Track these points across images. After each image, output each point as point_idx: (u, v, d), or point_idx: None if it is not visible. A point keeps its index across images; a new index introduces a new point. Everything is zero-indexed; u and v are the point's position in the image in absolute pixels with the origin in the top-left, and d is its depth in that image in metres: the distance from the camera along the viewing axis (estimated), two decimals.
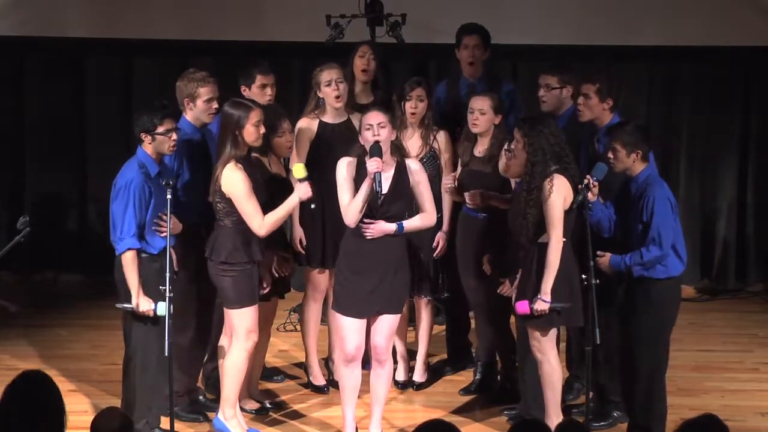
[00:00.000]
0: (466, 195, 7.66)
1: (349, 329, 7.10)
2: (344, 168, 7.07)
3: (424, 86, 7.94)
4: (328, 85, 7.88)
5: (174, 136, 7.02)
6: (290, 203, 7.09)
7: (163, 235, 6.95)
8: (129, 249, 6.94)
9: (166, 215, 6.85)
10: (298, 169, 7.11)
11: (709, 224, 10.61)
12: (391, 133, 7.06)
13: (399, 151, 7.20)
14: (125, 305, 6.98)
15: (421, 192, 7.13)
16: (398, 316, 7.17)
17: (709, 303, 10.34)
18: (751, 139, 10.50)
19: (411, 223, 7.09)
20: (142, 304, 6.93)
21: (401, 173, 7.08)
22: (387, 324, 7.11)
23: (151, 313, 6.93)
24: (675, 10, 10.20)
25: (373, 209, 6.98)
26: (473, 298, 7.92)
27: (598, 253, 6.95)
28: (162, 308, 6.85)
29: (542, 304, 6.91)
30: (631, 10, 10.20)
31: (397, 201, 7.02)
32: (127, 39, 10.35)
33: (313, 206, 7.16)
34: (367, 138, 6.97)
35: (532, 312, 6.93)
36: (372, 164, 6.88)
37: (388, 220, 7.00)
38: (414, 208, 7.19)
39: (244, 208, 7.01)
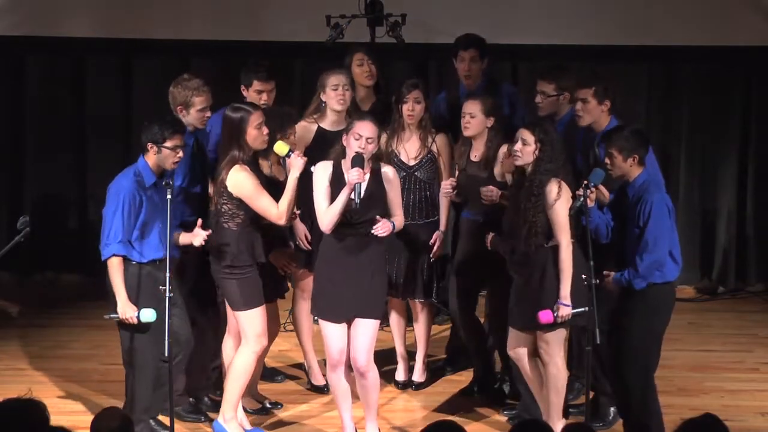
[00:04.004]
0: (483, 190, 7.59)
1: (330, 332, 7.11)
2: (322, 174, 7.08)
3: (420, 88, 7.92)
4: (335, 89, 7.87)
5: (180, 153, 7.03)
6: (292, 181, 7.07)
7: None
8: (114, 255, 6.93)
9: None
10: (281, 146, 7.13)
11: (709, 224, 10.61)
12: (376, 147, 7.07)
13: (376, 156, 7.17)
14: (112, 315, 6.96)
15: (392, 198, 7.14)
16: (376, 322, 7.14)
17: (709, 303, 10.34)
18: (751, 139, 10.49)
19: (397, 223, 7.11)
20: (126, 311, 6.92)
21: (377, 179, 7.09)
22: (364, 331, 7.07)
23: (134, 320, 6.92)
24: (675, 10, 10.19)
25: (349, 214, 6.99)
26: (462, 299, 7.90)
27: (604, 273, 6.95)
28: (146, 315, 6.84)
29: (564, 309, 6.90)
30: (632, 10, 10.19)
31: (372, 207, 7.03)
32: (127, 39, 10.35)
33: (313, 168, 7.14)
34: (352, 145, 6.97)
35: (556, 320, 6.92)
36: (353, 174, 6.89)
37: (364, 224, 7.01)
38: (388, 213, 7.18)
39: (259, 203, 7.02)
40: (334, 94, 7.89)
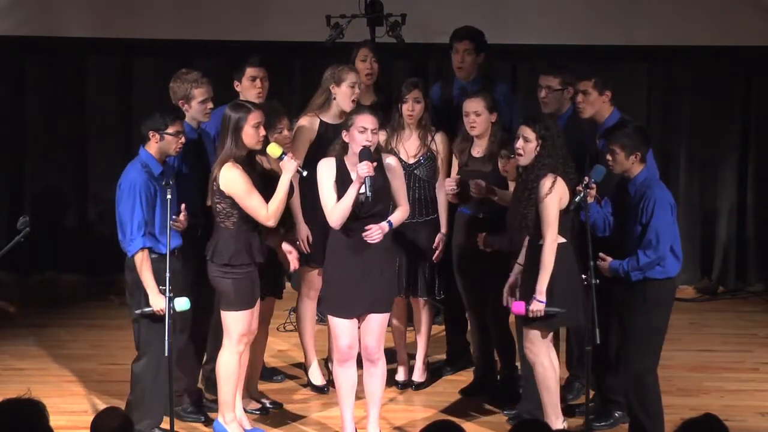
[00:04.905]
0: (471, 183, 7.62)
1: (340, 328, 7.11)
2: (326, 171, 7.06)
3: (420, 88, 7.92)
4: (352, 86, 7.83)
5: (182, 139, 7.05)
6: (284, 184, 7.05)
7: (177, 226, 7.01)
8: (140, 248, 6.94)
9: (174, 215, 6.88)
10: (274, 149, 7.11)
11: (709, 224, 10.61)
12: (377, 138, 7.08)
13: (375, 148, 7.17)
14: (144, 309, 6.96)
15: (397, 188, 7.14)
16: (387, 315, 7.16)
17: (709, 303, 10.34)
18: (751, 138, 10.50)
19: (396, 218, 7.11)
20: (159, 302, 6.91)
21: (379, 170, 7.08)
22: (376, 323, 7.10)
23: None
24: (675, 10, 10.20)
25: (358, 209, 6.98)
26: (469, 297, 7.92)
27: (601, 255, 6.95)
28: (180, 304, 6.81)
29: (537, 304, 6.90)
30: (631, 10, 10.20)
31: (378, 199, 7.01)
32: (127, 39, 10.35)
33: (305, 173, 7.11)
34: (357, 139, 6.96)
35: (527, 312, 6.93)
36: (363, 168, 6.88)
37: (372, 217, 7.01)
38: (393, 204, 7.19)
39: (248, 203, 7.00)
40: (349, 92, 7.84)
